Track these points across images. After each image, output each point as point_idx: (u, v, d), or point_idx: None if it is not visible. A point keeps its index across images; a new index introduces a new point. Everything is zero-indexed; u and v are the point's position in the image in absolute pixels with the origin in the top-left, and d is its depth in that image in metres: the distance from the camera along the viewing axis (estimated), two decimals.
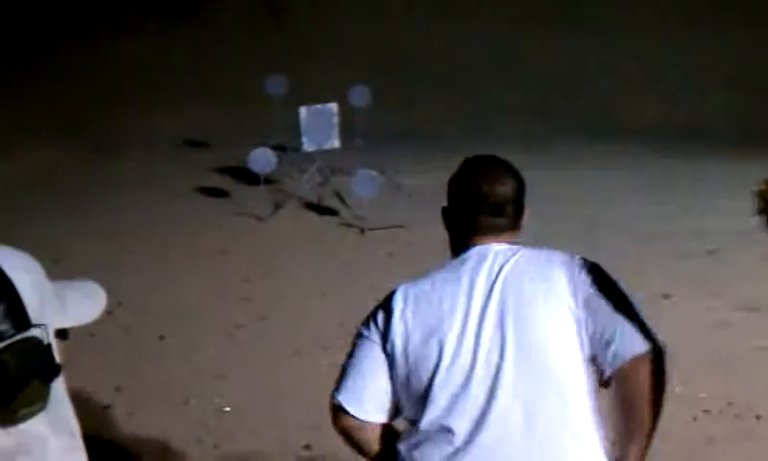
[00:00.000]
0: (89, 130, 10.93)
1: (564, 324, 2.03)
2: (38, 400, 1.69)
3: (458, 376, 2.01)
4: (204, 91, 12.42)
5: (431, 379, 2.03)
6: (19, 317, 1.66)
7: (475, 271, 2.08)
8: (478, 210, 2.16)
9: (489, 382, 2.00)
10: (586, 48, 14.31)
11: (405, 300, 2.11)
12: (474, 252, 2.13)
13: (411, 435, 2.08)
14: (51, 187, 9.06)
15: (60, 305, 1.79)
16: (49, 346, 1.71)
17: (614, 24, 14.78)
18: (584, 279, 2.09)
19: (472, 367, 2.01)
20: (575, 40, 14.30)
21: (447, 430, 2.00)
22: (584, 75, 13.96)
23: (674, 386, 4.86)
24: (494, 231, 2.16)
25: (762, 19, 14.52)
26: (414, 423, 2.08)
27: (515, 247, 2.13)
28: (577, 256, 2.16)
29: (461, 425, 1.99)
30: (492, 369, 2.00)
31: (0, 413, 1.65)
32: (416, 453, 2.05)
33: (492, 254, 2.11)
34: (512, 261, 2.08)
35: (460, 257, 2.15)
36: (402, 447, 2.09)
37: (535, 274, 2.07)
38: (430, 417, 2.03)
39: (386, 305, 2.15)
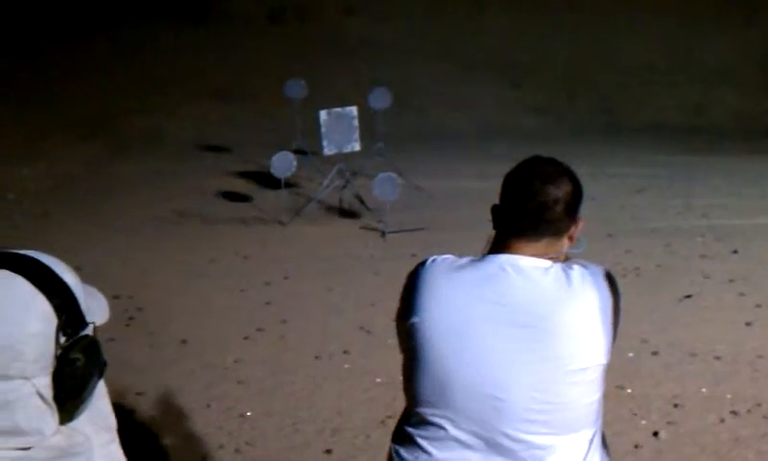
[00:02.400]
0: (109, 133, 11.00)
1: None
2: (91, 396, 1.72)
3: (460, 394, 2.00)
4: (225, 95, 12.47)
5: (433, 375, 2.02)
6: (77, 316, 1.69)
7: (489, 286, 2.02)
8: (524, 207, 2.05)
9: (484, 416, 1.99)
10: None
11: (431, 280, 2.07)
12: (500, 261, 2.05)
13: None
14: (70, 191, 9.11)
15: (87, 306, 1.82)
16: (98, 342, 1.74)
17: (617, 22, 14.71)
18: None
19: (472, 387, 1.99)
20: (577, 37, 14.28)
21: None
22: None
23: (701, 387, 4.86)
24: (535, 234, 2.05)
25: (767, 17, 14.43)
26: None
27: (540, 267, 2.03)
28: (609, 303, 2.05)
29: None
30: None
31: (67, 409, 1.67)
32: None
33: (514, 270, 2.03)
34: (524, 292, 2.00)
35: (486, 260, 2.07)
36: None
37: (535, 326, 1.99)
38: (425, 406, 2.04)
39: (415, 278, 2.10)
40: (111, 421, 1.85)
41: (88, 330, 1.72)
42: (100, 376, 1.75)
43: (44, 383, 1.64)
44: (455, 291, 2.03)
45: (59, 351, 1.64)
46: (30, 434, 1.63)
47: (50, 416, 1.65)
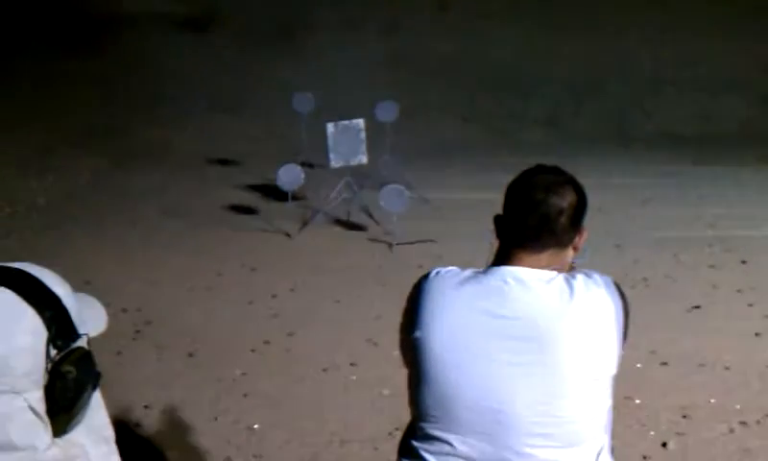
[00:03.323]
0: (117, 146, 11.02)
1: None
2: (85, 409, 1.70)
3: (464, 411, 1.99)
4: (233, 107, 12.49)
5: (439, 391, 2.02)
6: (68, 328, 1.67)
7: (492, 299, 2.00)
8: (526, 219, 2.03)
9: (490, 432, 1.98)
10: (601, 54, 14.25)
11: (434, 294, 2.05)
12: (502, 273, 2.03)
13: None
14: (77, 205, 9.13)
15: (81, 316, 1.80)
16: (91, 353, 1.73)
17: (625, 32, 14.69)
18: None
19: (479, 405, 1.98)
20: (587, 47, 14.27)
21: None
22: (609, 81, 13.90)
23: (709, 398, 4.84)
24: (538, 245, 2.03)
25: None
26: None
27: (543, 279, 2.00)
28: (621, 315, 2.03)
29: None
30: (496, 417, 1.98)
31: (60, 422, 1.66)
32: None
33: (517, 283, 2.00)
34: (528, 305, 1.98)
35: (489, 273, 2.05)
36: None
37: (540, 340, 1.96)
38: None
39: (419, 292, 2.09)
40: (109, 432, 1.83)
41: (81, 342, 1.70)
42: (94, 388, 1.72)
43: (36, 397, 1.62)
44: (458, 305, 2.01)
45: (49, 365, 1.62)
46: (23, 449, 1.61)
47: (43, 430, 1.63)
